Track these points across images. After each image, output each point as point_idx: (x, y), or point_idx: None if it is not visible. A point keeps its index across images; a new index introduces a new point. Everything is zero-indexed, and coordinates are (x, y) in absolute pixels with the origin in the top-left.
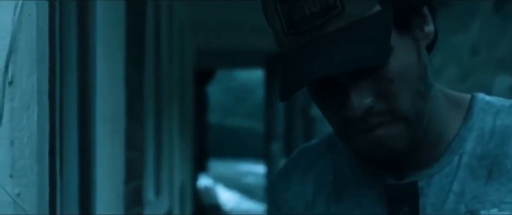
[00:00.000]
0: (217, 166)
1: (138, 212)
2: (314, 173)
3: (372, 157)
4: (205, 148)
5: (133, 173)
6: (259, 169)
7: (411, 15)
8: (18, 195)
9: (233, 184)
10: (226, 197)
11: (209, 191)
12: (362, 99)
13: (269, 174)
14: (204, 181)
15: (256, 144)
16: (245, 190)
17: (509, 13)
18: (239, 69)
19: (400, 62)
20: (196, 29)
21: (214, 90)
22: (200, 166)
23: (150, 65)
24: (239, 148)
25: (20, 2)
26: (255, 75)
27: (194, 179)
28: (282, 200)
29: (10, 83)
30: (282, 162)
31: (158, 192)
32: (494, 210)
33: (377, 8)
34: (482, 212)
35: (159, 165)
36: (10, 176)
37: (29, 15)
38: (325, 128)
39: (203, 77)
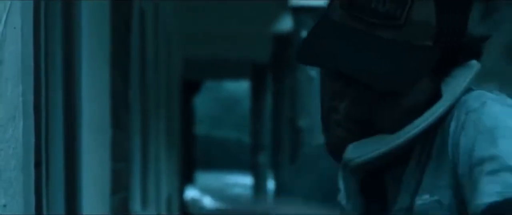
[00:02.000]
0: (204, 177)
1: None
2: None
3: (327, 149)
4: (192, 159)
5: (119, 185)
6: (247, 180)
7: (448, 65)
8: (4, 206)
9: (220, 195)
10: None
11: (196, 203)
12: (353, 108)
13: (256, 186)
14: (191, 193)
15: (243, 155)
16: (233, 202)
17: None
18: (226, 80)
19: (409, 100)
20: (183, 39)
21: (201, 101)
22: (187, 178)
23: (136, 76)
24: (226, 159)
25: (5, 15)
26: (242, 87)
27: (181, 190)
28: None
29: None
30: (269, 173)
31: (144, 203)
32: (426, 196)
33: (428, 43)
34: (418, 201)
35: (145, 176)
36: None
37: (14, 28)
38: (312, 139)
39: (190, 88)
